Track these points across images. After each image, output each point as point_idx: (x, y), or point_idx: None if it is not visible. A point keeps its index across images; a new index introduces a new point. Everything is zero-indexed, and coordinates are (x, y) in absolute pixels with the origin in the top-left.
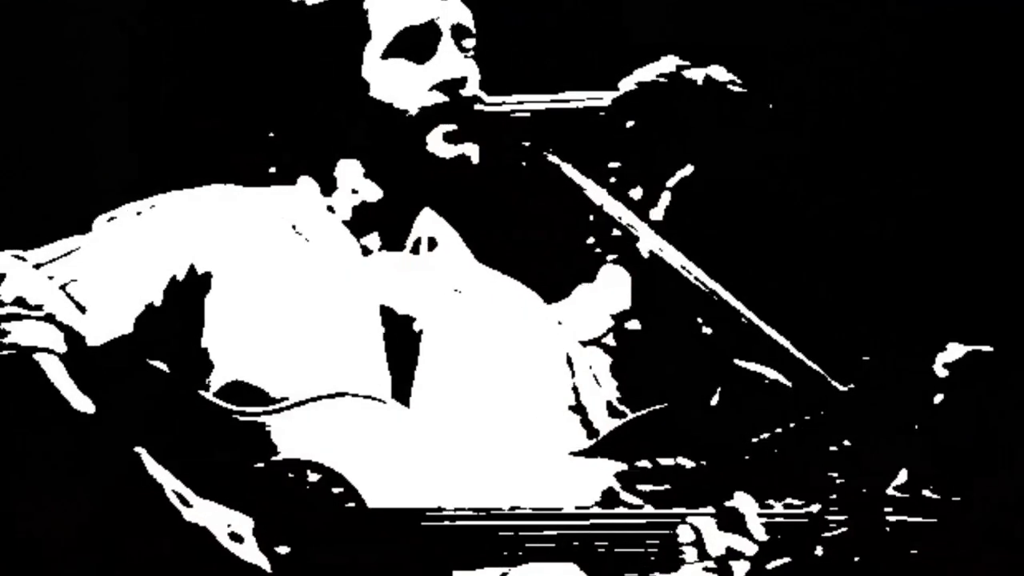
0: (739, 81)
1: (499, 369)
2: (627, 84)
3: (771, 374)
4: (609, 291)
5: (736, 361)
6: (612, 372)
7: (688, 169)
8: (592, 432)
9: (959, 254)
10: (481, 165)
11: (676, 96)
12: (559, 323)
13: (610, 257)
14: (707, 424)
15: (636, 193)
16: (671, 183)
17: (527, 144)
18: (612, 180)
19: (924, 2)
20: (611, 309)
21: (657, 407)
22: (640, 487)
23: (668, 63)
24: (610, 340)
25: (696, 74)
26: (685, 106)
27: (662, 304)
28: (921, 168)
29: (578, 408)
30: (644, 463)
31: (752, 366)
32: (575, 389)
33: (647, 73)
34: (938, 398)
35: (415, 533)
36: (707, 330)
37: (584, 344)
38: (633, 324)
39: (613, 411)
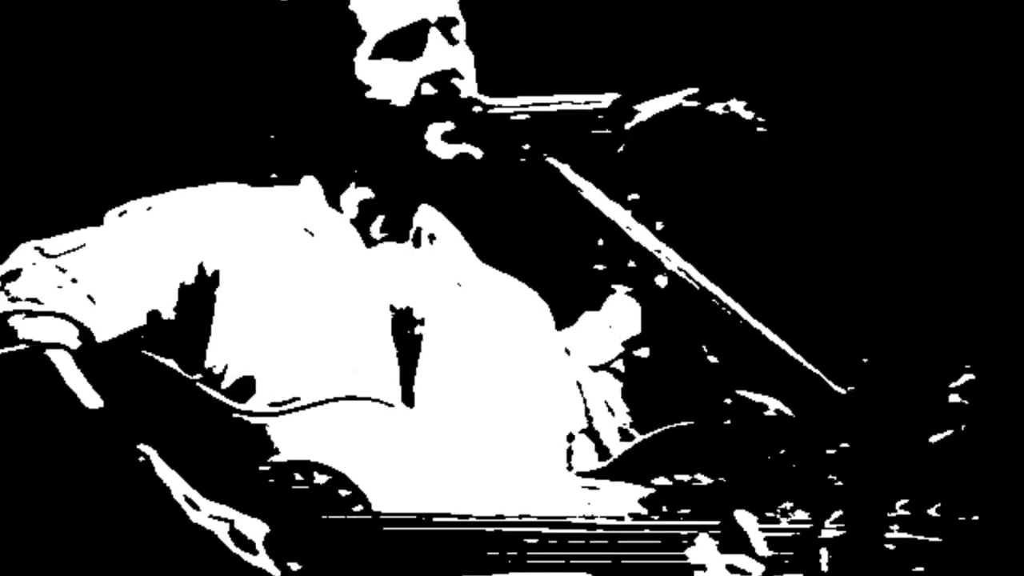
0: (760, 118)
1: (505, 371)
2: (644, 114)
3: (774, 404)
4: (617, 317)
5: (740, 392)
6: (623, 397)
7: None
8: (605, 456)
9: (959, 257)
10: (481, 168)
11: (689, 122)
12: (567, 350)
13: (618, 288)
14: (718, 444)
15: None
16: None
17: (526, 147)
18: (631, 204)
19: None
20: (620, 335)
21: (670, 427)
22: (652, 499)
23: (681, 96)
24: (620, 366)
25: (715, 108)
26: (691, 122)
27: (670, 325)
28: (922, 173)
29: (591, 432)
30: (659, 480)
31: (757, 397)
32: (587, 414)
33: (662, 104)
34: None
35: (420, 537)
36: (713, 359)
37: (595, 369)
38: (643, 352)
39: (625, 436)
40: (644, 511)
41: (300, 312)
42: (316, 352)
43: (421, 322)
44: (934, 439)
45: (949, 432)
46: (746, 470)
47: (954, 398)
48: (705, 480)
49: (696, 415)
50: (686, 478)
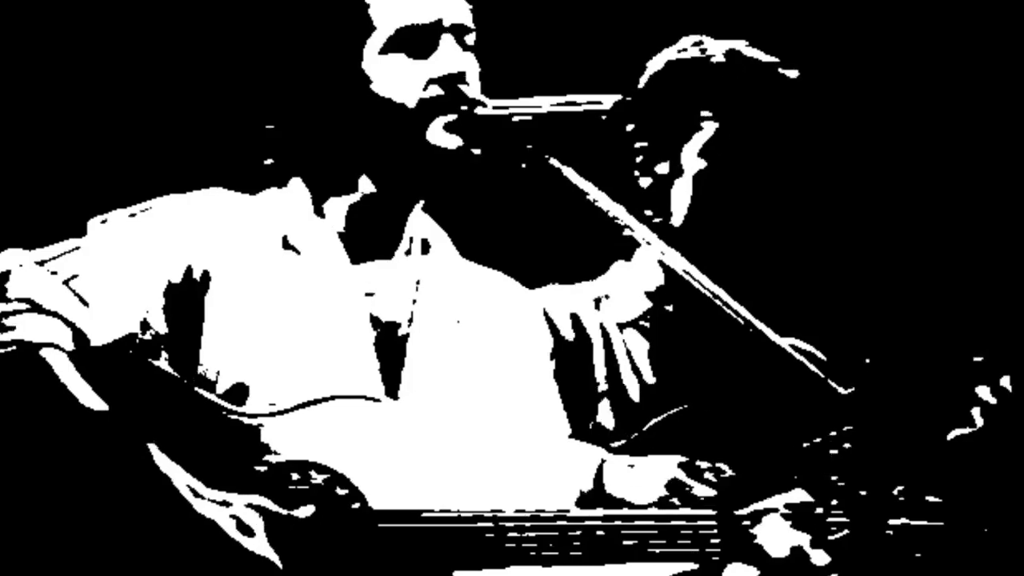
0: (771, 59)
1: (496, 369)
2: (655, 64)
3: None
4: (644, 272)
5: (775, 339)
6: (649, 354)
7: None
8: (627, 411)
9: (961, 257)
10: (483, 169)
11: (705, 74)
12: (597, 301)
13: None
14: (735, 424)
15: (663, 168)
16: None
17: (529, 148)
18: (639, 158)
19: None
20: (649, 286)
21: (681, 408)
22: (654, 488)
23: (688, 42)
24: (647, 323)
25: (718, 47)
26: (713, 88)
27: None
28: (927, 171)
29: (616, 392)
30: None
31: (790, 342)
32: (612, 370)
33: (671, 53)
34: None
35: (419, 534)
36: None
37: (622, 327)
38: (669, 307)
39: (650, 396)
40: (648, 499)
41: (284, 324)
42: (301, 363)
43: (404, 331)
44: (950, 436)
45: (966, 431)
46: (755, 460)
47: (980, 396)
48: (724, 468)
49: (719, 381)
50: (704, 464)
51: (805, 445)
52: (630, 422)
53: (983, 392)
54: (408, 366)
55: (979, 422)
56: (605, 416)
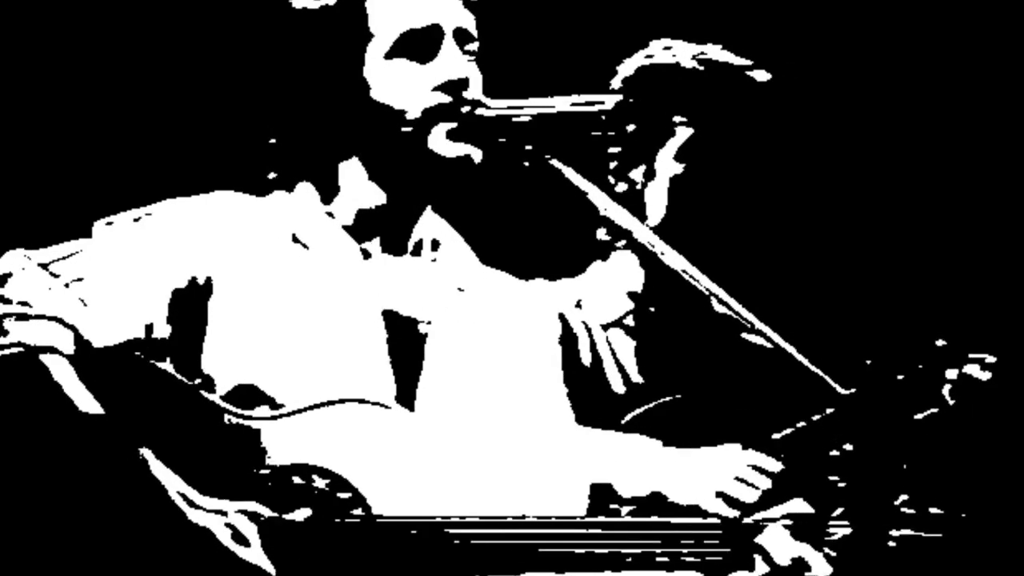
0: (742, 62)
1: (505, 372)
2: (627, 69)
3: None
4: (625, 271)
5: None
6: (634, 353)
7: (679, 168)
8: (612, 412)
9: (961, 257)
10: (483, 169)
11: (676, 79)
12: (578, 301)
13: (619, 244)
14: (722, 416)
15: (637, 174)
16: (666, 167)
17: (529, 148)
18: (613, 164)
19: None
20: (629, 287)
21: (669, 398)
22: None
23: (658, 47)
24: (630, 321)
25: (688, 51)
26: (685, 94)
27: (673, 296)
28: (927, 170)
29: (598, 390)
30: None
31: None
32: (596, 371)
33: (642, 58)
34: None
35: (418, 540)
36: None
37: (605, 327)
38: (652, 307)
39: (634, 391)
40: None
41: (294, 322)
42: (311, 361)
43: (421, 329)
44: (919, 416)
45: (934, 410)
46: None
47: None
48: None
49: (706, 374)
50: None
51: (804, 444)
52: (615, 419)
53: (951, 373)
54: (426, 366)
55: (949, 401)
56: (592, 418)
